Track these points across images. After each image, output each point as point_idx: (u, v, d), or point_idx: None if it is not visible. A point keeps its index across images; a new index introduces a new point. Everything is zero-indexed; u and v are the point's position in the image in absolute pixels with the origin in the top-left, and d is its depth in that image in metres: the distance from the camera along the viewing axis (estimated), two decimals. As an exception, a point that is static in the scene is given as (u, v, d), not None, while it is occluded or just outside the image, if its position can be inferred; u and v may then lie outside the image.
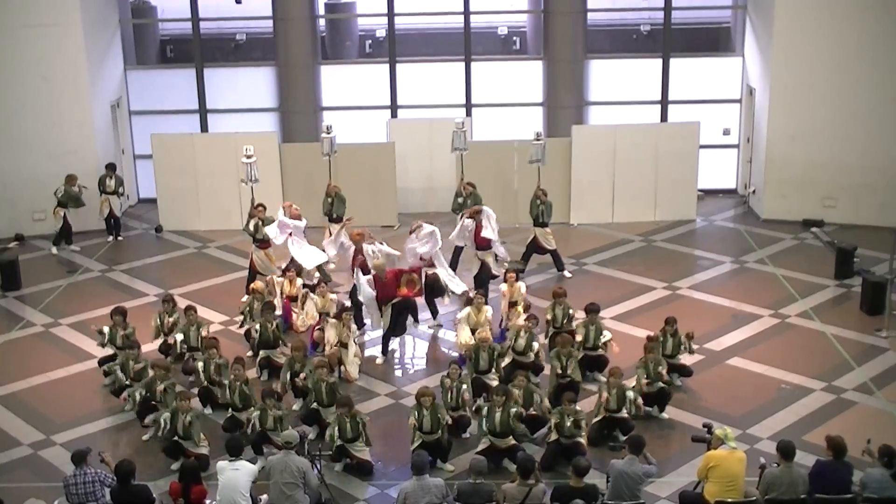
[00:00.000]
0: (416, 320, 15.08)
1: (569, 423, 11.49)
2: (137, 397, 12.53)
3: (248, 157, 16.63)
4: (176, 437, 11.72)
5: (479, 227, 16.13)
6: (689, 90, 21.60)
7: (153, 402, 12.46)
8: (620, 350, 13.54)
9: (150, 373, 12.71)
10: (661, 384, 12.67)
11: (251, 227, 16.42)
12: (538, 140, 17.87)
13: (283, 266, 16.26)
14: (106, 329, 13.89)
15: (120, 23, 21.70)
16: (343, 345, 13.89)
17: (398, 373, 14.34)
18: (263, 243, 16.41)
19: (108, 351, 14.01)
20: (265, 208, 16.48)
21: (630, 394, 12.11)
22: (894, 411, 12.83)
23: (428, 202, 20.74)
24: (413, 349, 15.03)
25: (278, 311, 15.05)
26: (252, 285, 15.14)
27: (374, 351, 14.78)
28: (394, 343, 14.85)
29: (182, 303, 15.92)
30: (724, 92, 21.66)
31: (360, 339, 14.83)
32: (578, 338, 13.41)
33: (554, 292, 14.43)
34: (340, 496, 11.16)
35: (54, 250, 19.26)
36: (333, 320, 14.08)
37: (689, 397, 13.15)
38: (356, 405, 12.02)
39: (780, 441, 10.32)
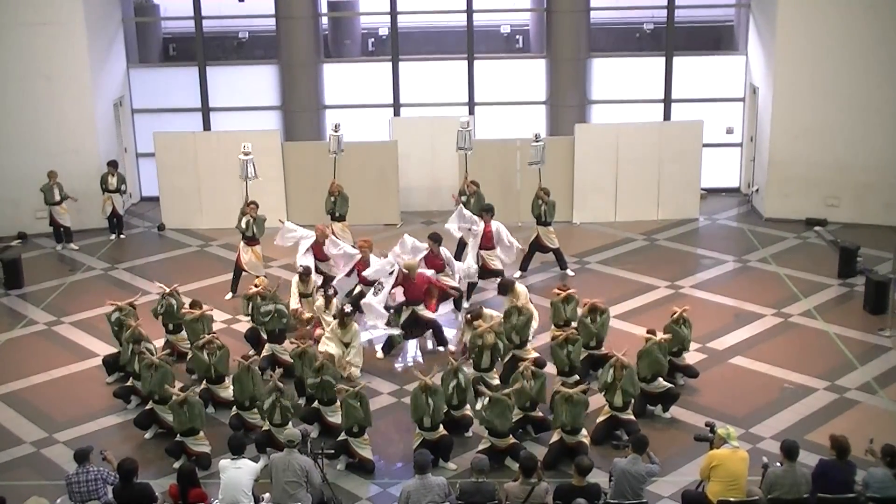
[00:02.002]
0: (441, 343, 14.77)
1: (565, 413, 11.48)
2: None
3: (246, 153, 16.66)
4: (178, 437, 11.77)
5: (487, 228, 16.18)
6: (692, 89, 21.57)
7: (154, 400, 12.45)
8: (622, 348, 13.52)
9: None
10: (667, 384, 12.69)
11: (242, 225, 16.44)
12: (537, 141, 17.84)
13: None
14: (115, 314, 13.94)
15: (122, 21, 21.71)
16: (345, 345, 13.87)
17: (400, 371, 14.32)
18: (253, 241, 16.44)
19: (112, 349, 14.03)
20: (258, 206, 16.49)
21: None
22: (897, 411, 12.84)
23: (430, 201, 20.74)
24: (416, 347, 15.00)
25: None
26: (255, 283, 15.05)
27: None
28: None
29: (183, 301, 15.96)
30: (727, 90, 21.63)
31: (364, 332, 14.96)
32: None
33: (558, 289, 14.39)
34: (343, 495, 11.16)
35: (59, 248, 19.28)
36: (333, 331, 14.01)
37: (691, 396, 13.14)
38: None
39: (783, 441, 10.30)
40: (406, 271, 14.55)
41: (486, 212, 16.47)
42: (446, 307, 15.68)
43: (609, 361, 12.23)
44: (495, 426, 11.56)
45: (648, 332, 13.08)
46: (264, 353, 13.96)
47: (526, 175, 19.26)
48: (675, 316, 13.32)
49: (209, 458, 11.68)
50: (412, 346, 14.93)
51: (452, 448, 11.78)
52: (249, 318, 14.58)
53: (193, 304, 14.17)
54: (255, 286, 14.77)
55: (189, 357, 13.83)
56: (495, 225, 16.35)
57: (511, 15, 22.87)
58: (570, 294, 14.15)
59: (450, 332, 15.09)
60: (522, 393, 11.92)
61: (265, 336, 14.10)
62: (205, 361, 12.85)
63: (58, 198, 19.12)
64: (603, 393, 12.19)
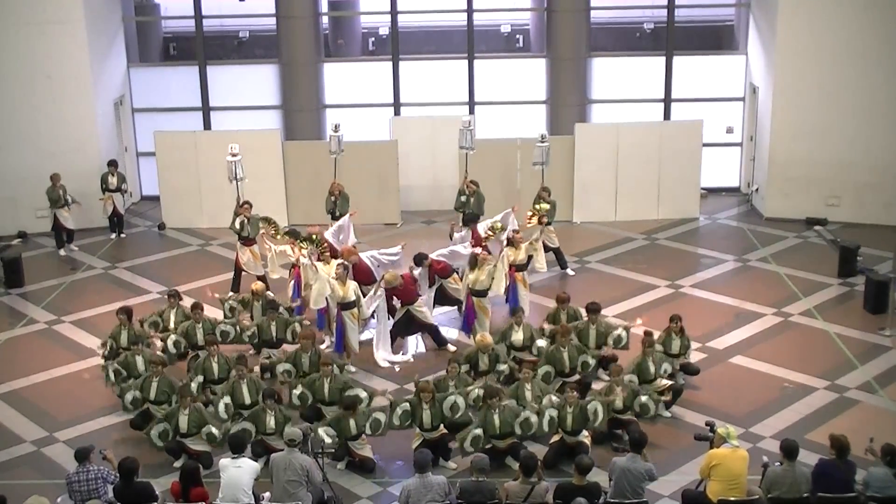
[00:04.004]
0: (440, 343, 14.83)
1: (570, 413, 11.47)
2: (129, 398, 12.55)
3: (234, 155, 16.67)
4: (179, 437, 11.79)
5: (475, 234, 16.21)
6: (692, 88, 21.57)
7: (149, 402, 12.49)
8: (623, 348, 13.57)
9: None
10: (668, 381, 12.69)
11: (237, 225, 16.44)
12: (543, 142, 17.82)
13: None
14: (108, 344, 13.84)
15: (123, 20, 21.71)
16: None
17: (400, 370, 14.31)
18: (249, 241, 16.45)
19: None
20: (251, 206, 16.49)
21: (643, 398, 12.14)
22: (897, 410, 12.84)
23: (431, 200, 20.74)
24: (416, 346, 14.97)
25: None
26: (253, 286, 14.98)
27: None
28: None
29: (184, 300, 15.99)
30: (727, 90, 21.63)
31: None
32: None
33: (558, 297, 14.25)
34: (343, 494, 11.16)
35: (62, 252, 19.17)
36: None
37: (692, 396, 13.12)
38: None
39: (783, 440, 10.31)
40: (389, 285, 14.39)
41: (470, 222, 16.54)
42: (445, 307, 15.67)
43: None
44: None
45: (646, 333, 13.08)
46: (262, 357, 14.00)
47: (526, 174, 19.27)
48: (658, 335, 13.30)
49: (210, 457, 11.67)
50: (412, 344, 14.91)
51: (447, 449, 11.76)
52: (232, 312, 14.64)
53: (195, 307, 14.07)
54: (255, 291, 14.65)
55: (189, 357, 13.83)
56: (481, 227, 16.37)
57: (511, 14, 22.89)
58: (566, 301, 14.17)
59: (450, 332, 15.13)
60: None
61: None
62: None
63: (62, 201, 19.07)
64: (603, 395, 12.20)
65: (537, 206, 16.36)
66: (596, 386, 12.89)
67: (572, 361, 12.95)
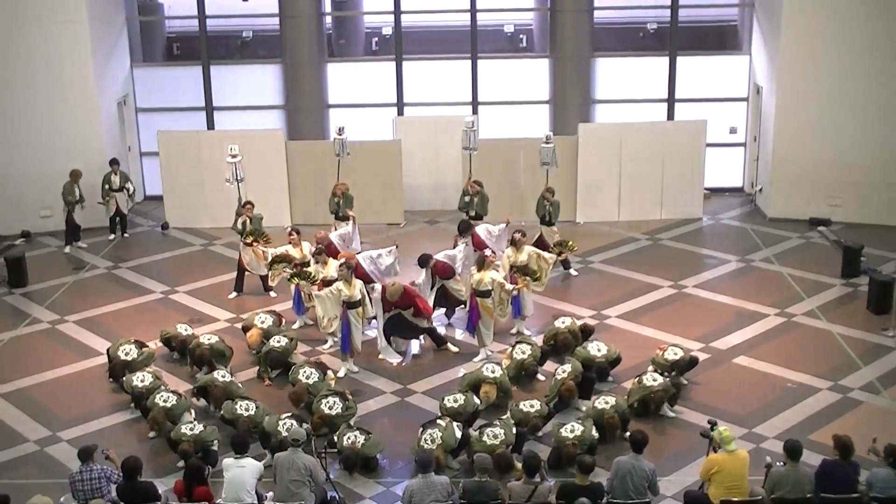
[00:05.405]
0: (439, 343, 14.75)
1: (567, 435, 11.46)
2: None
3: (234, 156, 16.68)
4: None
5: (477, 239, 16.14)
6: (695, 88, 21.56)
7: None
8: (626, 347, 13.54)
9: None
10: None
11: (239, 226, 16.45)
12: (548, 143, 17.79)
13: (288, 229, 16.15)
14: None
15: (127, 20, 21.72)
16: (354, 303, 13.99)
17: (404, 370, 14.31)
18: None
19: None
20: (253, 206, 16.50)
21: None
22: (901, 411, 12.82)
23: (434, 200, 20.74)
24: (419, 347, 14.97)
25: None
26: (248, 338, 14.47)
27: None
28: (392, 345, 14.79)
29: (187, 300, 16.08)
30: (731, 90, 21.61)
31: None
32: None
33: (566, 387, 12.70)
34: (346, 494, 11.16)
35: (67, 249, 19.20)
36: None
37: (695, 395, 13.13)
38: (361, 401, 12.03)
39: (787, 440, 10.30)
40: (391, 298, 14.25)
41: (463, 231, 16.29)
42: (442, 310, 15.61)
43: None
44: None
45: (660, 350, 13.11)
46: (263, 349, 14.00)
47: (530, 175, 19.26)
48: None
49: (216, 456, 11.63)
50: (415, 344, 14.91)
51: (466, 445, 11.65)
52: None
53: (197, 355, 13.83)
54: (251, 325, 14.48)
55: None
56: (481, 231, 16.31)
57: (515, 14, 22.87)
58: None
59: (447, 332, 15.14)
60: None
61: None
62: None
63: (82, 199, 19.07)
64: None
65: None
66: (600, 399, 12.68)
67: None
